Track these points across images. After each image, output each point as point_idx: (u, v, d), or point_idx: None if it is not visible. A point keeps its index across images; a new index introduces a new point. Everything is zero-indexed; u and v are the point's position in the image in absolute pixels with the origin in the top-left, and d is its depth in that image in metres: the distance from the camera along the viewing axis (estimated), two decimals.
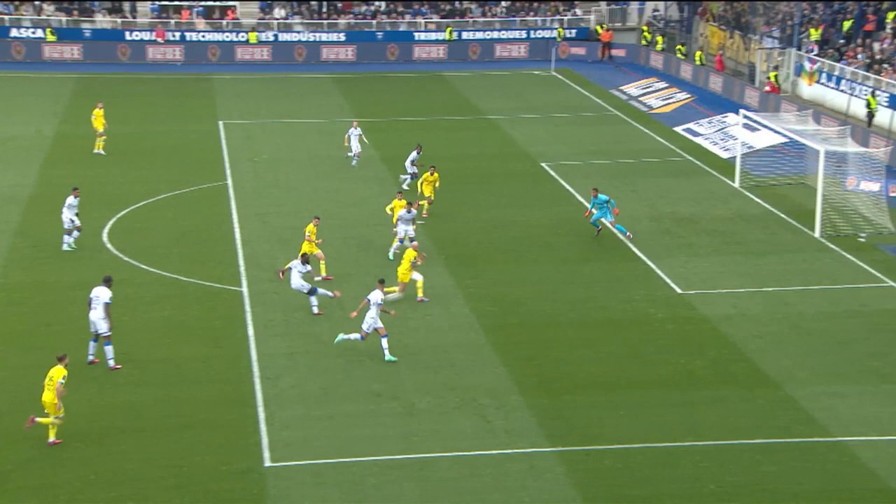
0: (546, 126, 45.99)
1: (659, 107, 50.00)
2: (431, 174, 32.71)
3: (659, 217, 32.87)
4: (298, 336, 24.14)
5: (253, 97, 50.88)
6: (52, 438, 19.18)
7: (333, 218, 32.18)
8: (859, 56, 47.02)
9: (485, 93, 53.19)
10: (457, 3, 65.53)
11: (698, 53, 57.32)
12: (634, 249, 29.60)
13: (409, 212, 28.58)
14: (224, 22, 62.01)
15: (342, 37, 62.07)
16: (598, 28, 63.44)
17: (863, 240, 30.44)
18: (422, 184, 32.73)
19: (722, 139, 42.61)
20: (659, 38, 61.26)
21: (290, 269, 24.93)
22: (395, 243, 28.46)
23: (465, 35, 63.38)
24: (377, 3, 64.95)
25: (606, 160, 39.89)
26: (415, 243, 26.92)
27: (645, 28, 63.23)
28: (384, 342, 22.59)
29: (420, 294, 25.74)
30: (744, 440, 19.68)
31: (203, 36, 60.81)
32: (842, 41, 49.66)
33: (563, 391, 21.59)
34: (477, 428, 20.14)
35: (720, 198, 34.90)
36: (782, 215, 32.71)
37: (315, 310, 25.11)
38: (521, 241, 30.71)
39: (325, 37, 61.83)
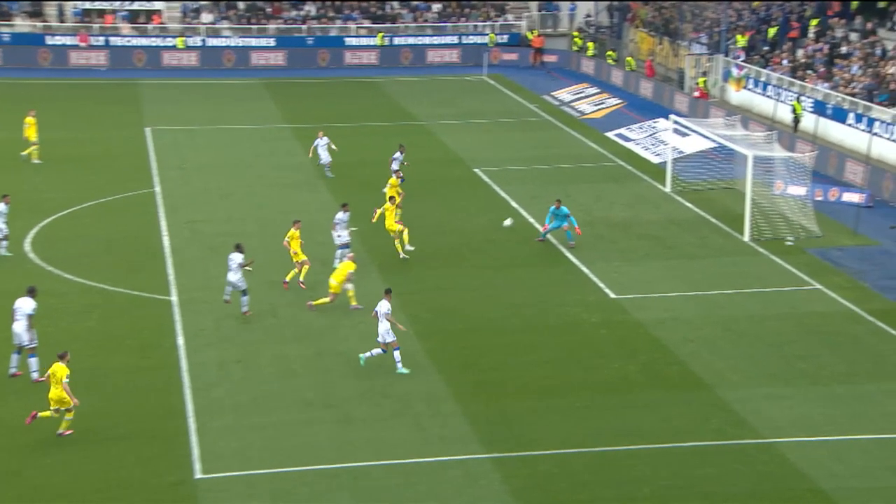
0: (478, 132, 46.22)
1: (590, 112, 50.57)
2: (397, 177, 32.70)
3: (592, 222, 33.22)
4: (230, 345, 23.89)
5: (181, 103, 50.30)
6: (62, 430, 19.77)
7: (268, 226, 31.95)
8: (784, 62, 48.12)
9: (417, 98, 53.27)
10: (388, 9, 65.58)
11: (629, 59, 58.12)
12: (568, 254, 29.90)
13: (345, 212, 28.50)
14: (150, 26, 61.19)
15: (272, 42, 61.67)
16: (530, 34, 63.99)
17: (790, 243, 31.12)
18: (389, 189, 32.53)
19: (653, 144, 43.25)
20: (590, 44, 61.96)
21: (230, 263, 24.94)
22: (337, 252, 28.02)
23: (396, 40, 63.45)
24: (307, 8, 64.64)
25: (539, 165, 40.22)
26: (351, 254, 26.79)
27: (576, 34, 63.91)
28: (396, 354, 22.42)
29: (353, 303, 25.64)
30: (678, 443, 19.97)
31: (128, 41, 59.95)
32: (766, 48, 50.75)
33: (499, 397, 21.70)
34: (412, 435, 20.15)
35: (652, 202, 35.41)
36: (712, 219, 33.29)
37: (244, 308, 25.03)
38: (455, 246, 30.81)
39: (254, 42, 61.39)
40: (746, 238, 31.43)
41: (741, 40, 52.18)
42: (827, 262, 29.62)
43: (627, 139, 44.75)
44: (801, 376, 22.63)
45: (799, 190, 33.76)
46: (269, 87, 54.64)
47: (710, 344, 24.25)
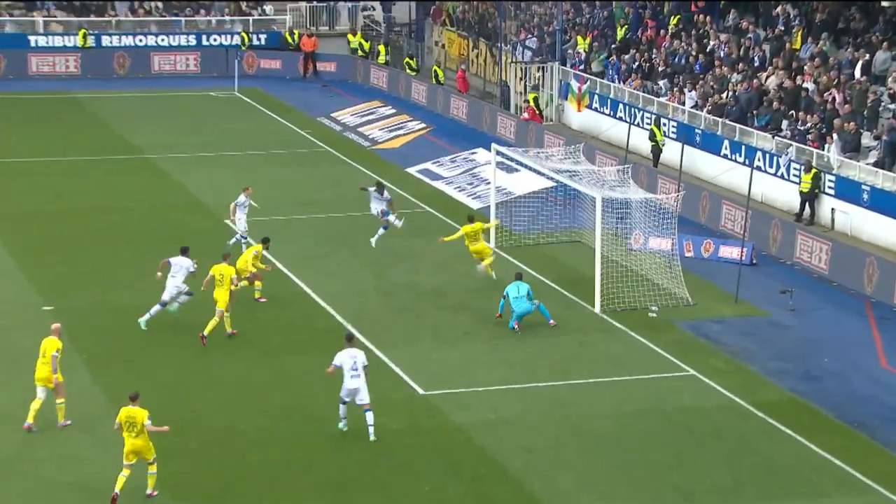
0: (230, 168, 46.24)
1: (385, 140, 51.49)
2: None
3: (391, 290, 33.76)
4: None
5: None
6: (150, 490, 22.53)
7: None
8: (637, 71, 50.41)
9: (140, 122, 52.85)
10: None
11: (435, 68, 59.61)
12: (359, 336, 30.23)
13: None
14: None
15: None
16: (289, 35, 64.37)
17: (654, 315, 32.51)
18: (242, 258, 32.19)
19: (470, 183, 44.43)
20: (381, 48, 63.20)
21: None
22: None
23: (106, 41, 62.95)
24: None
25: (317, 214, 40.59)
26: (56, 325, 26.23)
27: (350, 35, 64.63)
28: (370, 417, 24.86)
29: (61, 419, 25.10)
30: None
31: None
32: (612, 53, 52.99)
33: None
34: None
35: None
36: (552, 284, 34.40)
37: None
38: (198, 326, 30.67)
39: None
40: (597, 309, 32.64)
41: (582, 43, 54.54)
42: (702, 340, 31.10)
43: (436, 176, 45.79)
44: (673, 492, 23.57)
45: (663, 243, 35.38)
46: None
47: (554, 453, 24.96)
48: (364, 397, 24.81)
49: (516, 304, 30.66)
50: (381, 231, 36.70)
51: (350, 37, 64.37)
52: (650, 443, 25.48)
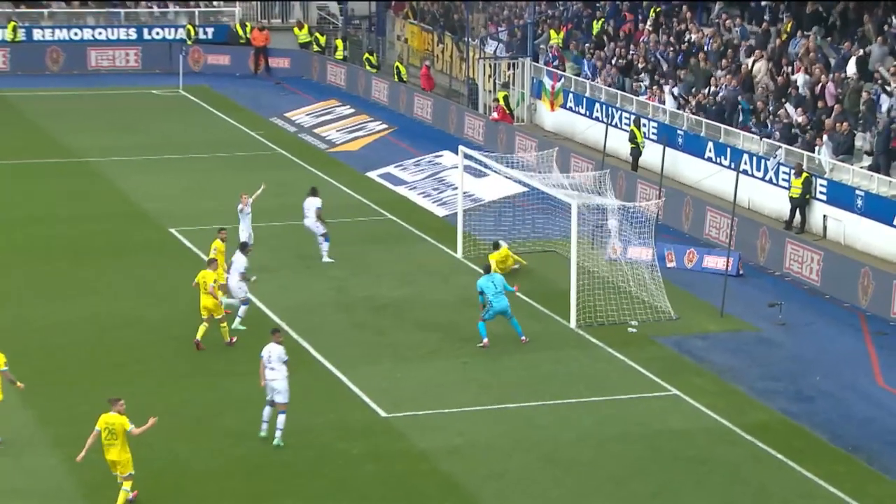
0: (174, 173, 46.13)
1: (343, 142, 51.51)
2: (223, 240, 32.96)
3: (350, 304, 33.72)
4: None
5: None
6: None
7: None
8: (612, 63, 50.54)
9: (75, 123, 52.65)
10: None
11: (397, 64, 59.67)
12: (316, 354, 30.18)
13: None
14: None
15: None
16: (239, 28, 64.21)
17: (634, 330, 32.59)
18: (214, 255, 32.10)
19: (436, 189, 44.45)
20: (338, 43, 63.24)
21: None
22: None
23: (38, 34, 62.74)
24: None
25: (271, 222, 40.49)
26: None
27: (296, 28, 64.47)
28: (282, 419, 25.48)
29: None
30: None
31: None
32: (586, 51, 53.08)
33: None
34: None
35: (437, 274, 36.31)
36: (525, 298, 34.45)
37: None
38: (138, 346, 30.55)
39: None
40: (573, 324, 32.69)
41: (555, 37, 54.70)
42: (685, 357, 31.18)
43: (398, 181, 45.79)
44: None
45: (643, 253, 35.48)
46: None
47: (526, 480, 24.95)
48: (278, 397, 25.57)
49: (496, 300, 30.79)
50: (323, 244, 36.52)
51: (296, 30, 64.25)
52: (631, 469, 25.52)
